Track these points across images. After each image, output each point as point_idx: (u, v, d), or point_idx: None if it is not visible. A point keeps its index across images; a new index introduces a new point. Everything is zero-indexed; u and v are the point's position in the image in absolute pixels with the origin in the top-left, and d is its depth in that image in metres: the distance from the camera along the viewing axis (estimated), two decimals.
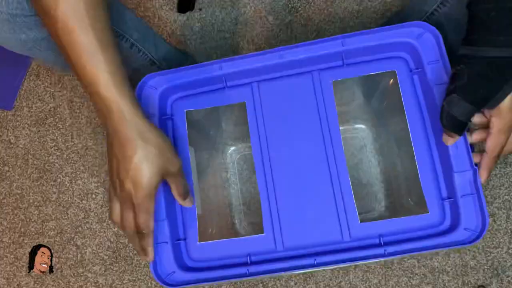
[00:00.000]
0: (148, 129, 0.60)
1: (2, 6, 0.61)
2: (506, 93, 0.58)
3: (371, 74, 0.74)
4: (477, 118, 0.64)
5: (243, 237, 0.72)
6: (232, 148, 1.03)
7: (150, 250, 0.66)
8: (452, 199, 0.68)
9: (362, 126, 0.99)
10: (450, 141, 0.65)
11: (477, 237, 0.65)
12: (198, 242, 0.73)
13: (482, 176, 0.66)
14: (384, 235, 0.69)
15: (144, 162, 0.59)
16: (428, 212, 0.69)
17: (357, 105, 0.95)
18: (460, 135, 0.63)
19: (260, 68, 0.75)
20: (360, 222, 0.70)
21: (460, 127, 0.62)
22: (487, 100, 0.59)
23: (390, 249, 0.67)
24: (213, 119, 0.94)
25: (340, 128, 0.74)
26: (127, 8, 0.82)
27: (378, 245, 0.68)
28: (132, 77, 0.86)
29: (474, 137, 0.66)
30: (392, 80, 0.77)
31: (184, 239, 0.73)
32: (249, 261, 0.70)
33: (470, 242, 0.65)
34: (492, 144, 0.63)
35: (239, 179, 1.02)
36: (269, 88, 0.77)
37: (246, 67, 0.75)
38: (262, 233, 0.72)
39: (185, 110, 0.78)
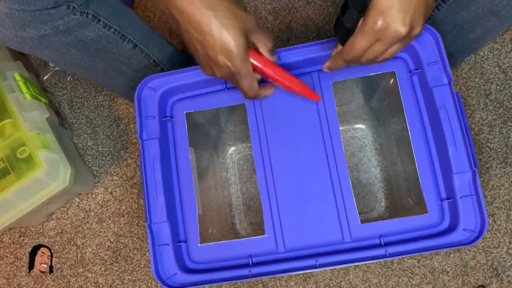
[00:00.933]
0: None
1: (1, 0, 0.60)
2: None
3: (370, 74, 0.75)
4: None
5: (244, 238, 0.72)
6: (232, 148, 1.03)
7: (260, 91, 0.67)
8: (451, 200, 0.68)
9: (362, 126, 0.99)
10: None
11: (476, 238, 0.65)
12: (199, 244, 0.73)
13: (325, 66, 0.67)
14: (384, 236, 0.69)
15: (223, 30, 0.56)
16: (427, 213, 0.69)
17: (357, 105, 0.95)
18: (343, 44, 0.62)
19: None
20: (361, 222, 0.70)
21: (348, 34, 0.61)
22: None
23: (391, 249, 0.67)
24: (213, 120, 0.94)
25: (340, 128, 0.74)
26: (131, 8, 0.82)
27: (379, 246, 0.69)
28: (135, 78, 0.86)
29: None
30: (392, 80, 0.78)
31: (185, 241, 0.74)
32: (250, 263, 0.71)
33: (469, 243, 0.65)
34: (351, 42, 0.58)
35: (239, 179, 1.02)
36: None
37: None
38: (263, 233, 0.72)
39: (185, 112, 0.78)
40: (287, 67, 0.75)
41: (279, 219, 0.72)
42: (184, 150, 0.77)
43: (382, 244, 0.69)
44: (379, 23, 0.54)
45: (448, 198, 0.69)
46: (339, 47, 0.65)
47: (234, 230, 0.99)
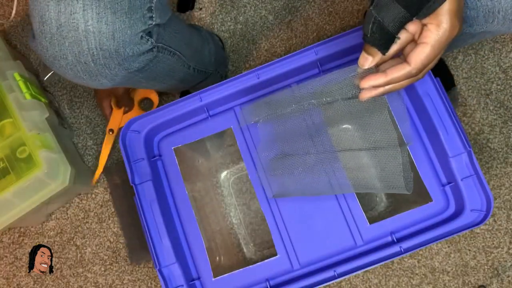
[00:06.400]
0: None
1: None
2: None
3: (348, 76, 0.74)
4: (403, 34, 0.49)
5: (257, 263, 0.71)
6: (224, 172, 1.01)
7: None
8: (452, 184, 0.69)
9: (349, 126, 0.98)
10: (367, 62, 0.50)
11: (485, 216, 0.66)
12: (213, 279, 0.72)
13: (365, 92, 0.51)
14: (395, 232, 0.69)
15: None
16: (432, 201, 0.69)
17: (340, 106, 0.94)
18: (384, 53, 0.49)
19: (240, 91, 0.75)
20: (369, 223, 0.70)
21: (387, 40, 0.48)
22: (423, 2, 0.45)
23: (405, 244, 0.67)
24: (200, 148, 0.92)
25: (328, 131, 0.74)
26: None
27: (392, 243, 0.68)
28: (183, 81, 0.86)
29: (395, 47, 0.50)
30: None
31: (199, 278, 0.72)
32: (269, 286, 0.70)
33: (480, 222, 0.66)
34: (421, 56, 0.48)
35: (237, 202, 1.00)
36: None
37: (225, 93, 0.74)
38: (271, 252, 0.71)
39: (172, 148, 0.77)
40: (266, 84, 0.75)
41: (288, 236, 0.71)
42: (179, 186, 0.76)
43: (395, 240, 0.69)
44: (453, 31, 0.47)
45: (449, 183, 0.69)
46: (372, 57, 0.51)
47: (242, 253, 0.97)
